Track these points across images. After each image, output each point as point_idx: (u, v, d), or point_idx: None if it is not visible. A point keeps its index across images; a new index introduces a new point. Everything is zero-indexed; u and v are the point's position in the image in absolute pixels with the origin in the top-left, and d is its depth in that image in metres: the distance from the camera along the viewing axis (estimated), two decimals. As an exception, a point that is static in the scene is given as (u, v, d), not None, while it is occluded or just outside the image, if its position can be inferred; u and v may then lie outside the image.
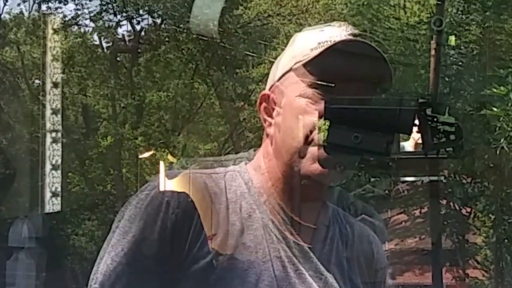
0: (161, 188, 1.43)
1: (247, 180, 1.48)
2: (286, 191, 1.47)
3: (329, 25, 1.52)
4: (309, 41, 1.48)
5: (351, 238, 1.55)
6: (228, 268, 1.39)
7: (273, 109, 1.50)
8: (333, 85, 1.42)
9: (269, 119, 1.50)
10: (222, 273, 1.38)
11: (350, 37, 1.44)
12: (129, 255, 1.40)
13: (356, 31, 1.48)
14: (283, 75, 1.50)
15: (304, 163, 1.43)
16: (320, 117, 1.41)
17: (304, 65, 1.46)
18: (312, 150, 1.42)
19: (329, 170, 1.43)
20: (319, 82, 1.44)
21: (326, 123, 1.42)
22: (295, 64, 1.48)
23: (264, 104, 1.52)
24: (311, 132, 1.43)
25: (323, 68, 1.44)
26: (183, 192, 1.41)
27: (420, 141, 1.45)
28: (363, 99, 1.47)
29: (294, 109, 1.45)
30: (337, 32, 1.47)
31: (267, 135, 1.51)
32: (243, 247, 1.41)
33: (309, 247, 1.46)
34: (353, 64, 1.43)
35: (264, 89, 1.54)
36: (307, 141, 1.43)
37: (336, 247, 1.51)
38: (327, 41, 1.45)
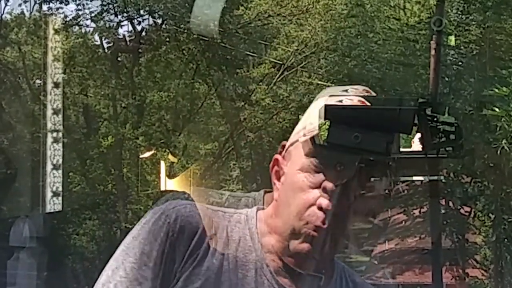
0: (168, 211, 1.50)
1: (251, 225, 1.55)
2: (284, 247, 1.52)
3: (347, 91, 1.54)
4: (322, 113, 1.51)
5: None
6: None
7: (281, 176, 1.55)
8: (327, 160, 1.46)
9: (277, 183, 1.55)
10: None
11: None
12: (129, 268, 1.48)
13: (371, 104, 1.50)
14: (293, 143, 1.54)
15: (294, 241, 1.49)
16: (317, 191, 1.46)
17: (309, 141, 1.50)
18: (304, 230, 1.47)
19: (316, 248, 1.48)
20: (318, 160, 1.48)
21: (327, 122, 1.44)
22: (303, 135, 1.51)
23: (275, 168, 1.56)
24: (305, 210, 1.47)
25: (320, 146, 1.47)
26: (186, 218, 1.49)
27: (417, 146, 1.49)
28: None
29: (293, 183, 1.49)
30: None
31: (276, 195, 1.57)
32: (232, 283, 1.48)
33: None
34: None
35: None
36: (302, 222, 1.47)
37: None
38: None
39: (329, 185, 1.45)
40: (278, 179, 1.55)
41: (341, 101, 1.50)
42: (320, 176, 1.46)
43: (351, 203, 1.47)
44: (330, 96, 1.54)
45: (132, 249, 1.49)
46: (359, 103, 1.49)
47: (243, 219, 1.55)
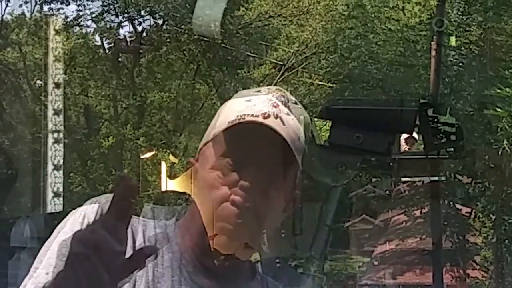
0: (85, 209, 1.53)
1: (169, 231, 1.55)
2: (200, 250, 1.52)
3: (259, 92, 1.55)
4: (231, 112, 1.51)
5: None
6: None
7: (196, 178, 1.55)
8: (242, 159, 1.47)
9: (194, 188, 1.56)
10: None
11: (258, 119, 1.46)
12: (46, 262, 1.50)
13: (281, 102, 1.51)
14: (205, 144, 1.55)
15: (214, 240, 1.49)
16: (230, 189, 1.46)
17: (218, 137, 1.51)
18: (221, 228, 1.47)
19: (236, 245, 1.48)
20: (229, 155, 1.48)
21: (328, 123, 1.45)
22: (213, 135, 1.52)
23: (190, 171, 1.57)
24: (218, 206, 1.47)
25: (233, 144, 1.48)
26: (103, 214, 1.50)
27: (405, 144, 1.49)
28: (365, 100, 1.51)
29: (206, 181, 1.50)
30: (257, 106, 1.49)
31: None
32: (148, 279, 1.48)
33: None
34: (257, 147, 1.47)
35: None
36: (215, 215, 1.48)
37: None
38: (244, 115, 1.48)
39: (244, 183, 1.45)
40: (195, 184, 1.56)
41: (249, 100, 1.52)
42: (234, 175, 1.47)
43: (267, 201, 1.48)
44: (240, 97, 1.55)
45: (48, 244, 1.51)
46: (268, 102, 1.50)
47: (161, 226, 1.56)
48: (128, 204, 1.22)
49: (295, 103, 1.55)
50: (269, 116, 1.47)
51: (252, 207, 1.46)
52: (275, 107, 1.49)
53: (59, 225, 1.53)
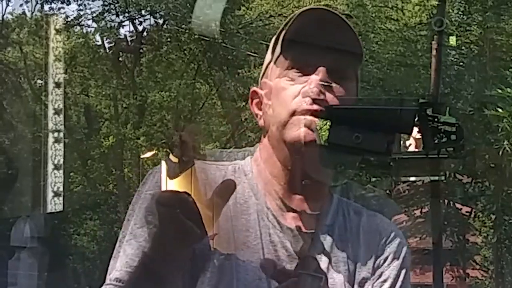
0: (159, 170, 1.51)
1: (247, 172, 1.56)
2: (283, 180, 1.53)
3: None
4: (281, 34, 1.59)
5: (356, 227, 1.57)
6: (219, 249, 1.46)
7: (261, 102, 1.58)
8: (307, 61, 1.51)
9: (259, 112, 1.58)
10: (214, 254, 1.46)
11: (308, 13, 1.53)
12: (131, 234, 1.48)
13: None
14: (265, 69, 1.60)
15: (291, 132, 1.48)
16: (301, 89, 1.49)
17: (278, 57, 1.56)
18: (296, 118, 1.48)
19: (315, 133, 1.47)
20: (293, 63, 1.53)
21: (327, 122, 1.45)
22: (272, 55, 1.58)
23: (254, 100, 1.60)
24: (291, 101, 1.49)
25: (294, 46, 1.53)
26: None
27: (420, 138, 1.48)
28: (364, 99, 1.51)
29: (275, 90, 1.53)
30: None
31: (262, 129, 1.59)
32: (235, 230, 1.48)
33: (305, 233, 1.50)
34: (319, 32, 1.50)
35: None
36: (291, 113, 1.49)
37: (338, 235, 1.54)
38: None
39: (315, 78, 1.48)
40: (259, 108, 1.58)
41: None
42: (303, 77, 1.50)
43: (336, 95, 1.49)
44: None
45: (132, 215, 1.50)
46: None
47: (238, 168, 1.56)
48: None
49: None
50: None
51: (324, 101, 1.47)
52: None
53: (141, 184, 1.54)
